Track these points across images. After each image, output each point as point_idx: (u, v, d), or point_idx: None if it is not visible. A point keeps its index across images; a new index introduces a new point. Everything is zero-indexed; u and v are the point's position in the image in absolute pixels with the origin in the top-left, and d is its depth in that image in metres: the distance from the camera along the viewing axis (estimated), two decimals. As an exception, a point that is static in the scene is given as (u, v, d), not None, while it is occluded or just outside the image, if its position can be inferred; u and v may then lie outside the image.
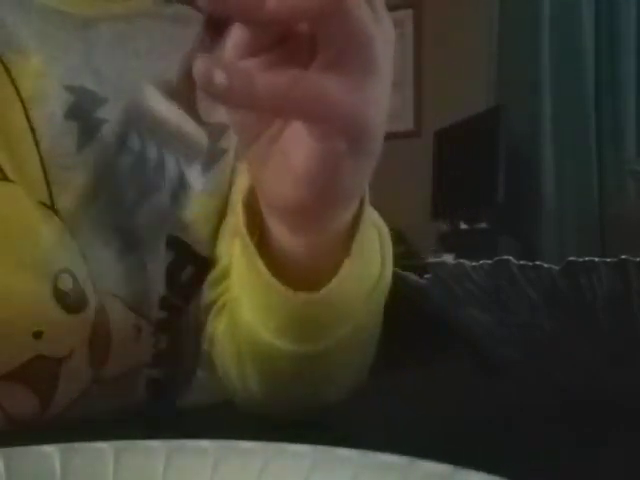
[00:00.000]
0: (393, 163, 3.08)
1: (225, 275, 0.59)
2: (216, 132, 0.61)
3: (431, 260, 0.51)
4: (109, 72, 0.56)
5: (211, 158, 0.60)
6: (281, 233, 0.41)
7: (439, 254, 2.52)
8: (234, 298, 0.50)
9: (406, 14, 3.14)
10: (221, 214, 0.61)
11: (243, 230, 0.43)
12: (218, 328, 0.59)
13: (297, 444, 0.31)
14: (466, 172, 2.68)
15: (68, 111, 0.53)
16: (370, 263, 0.46)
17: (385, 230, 0.51)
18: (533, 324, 0.45)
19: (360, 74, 0.34)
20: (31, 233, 0.51)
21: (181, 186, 0.57)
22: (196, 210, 0.58)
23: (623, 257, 0.40)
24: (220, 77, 0.29)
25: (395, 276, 0.51)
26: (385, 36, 0.35)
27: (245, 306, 0.47)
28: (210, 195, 0.60)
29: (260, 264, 0.42)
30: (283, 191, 0.37)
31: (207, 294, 0.61)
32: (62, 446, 0.30)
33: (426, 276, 0.49)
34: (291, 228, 0.41)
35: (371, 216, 0.47)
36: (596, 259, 0.40)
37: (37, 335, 0.50)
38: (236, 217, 0.44)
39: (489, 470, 0.27)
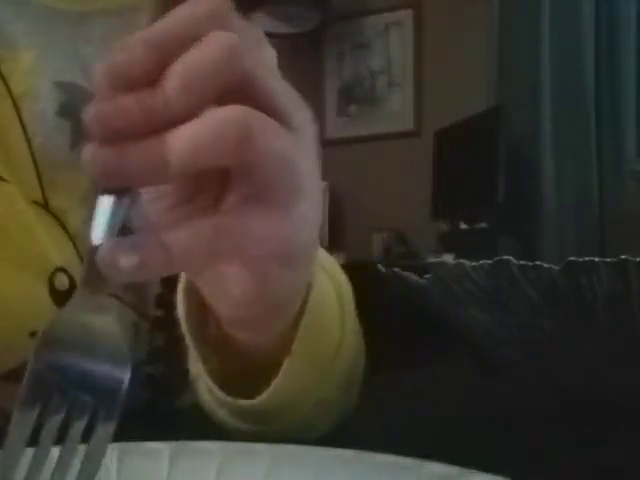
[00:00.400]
0: (393, 163, 3.09)
1: None
2: None
3: (431, 260, 0.51)
4: None
5: None
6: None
7: (439, 254, 2.52)
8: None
9: (406, 14, 3.14)
10: None
11: (185, 326, 0.41)
12: None
13: (301, 445, 0.31)
14: (466, 172, 2.68)
15: (60, 109, 0.52)
16: (322, 343, 0.43)
17: (345, 287, 0.49)
18: (533, 324, 0.45)
19: (284, 203, 0.29)
20: (26, 233, 0.50)
21: None
22: None
23: (623, 257, 0.39)
24: (127, 260, 0.26)
25: (395, 276, 0.51)
26: (305, 141, 0.31)
27: (200, 387, 0.45)
28: None
29: (202, 366, 0.41)
30: (221, 307, 0.34)
31: None
32: None
33: (426, 276, 0.49)
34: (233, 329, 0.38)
35: (332, 272, 0.46)
36: (596, 259, 0.40)
37: (34, 335, 0.49)
38: (178, 307, 0.42)
39: (489, 470, 0.27)
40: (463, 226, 2.72)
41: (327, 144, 3.26)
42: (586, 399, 0.47)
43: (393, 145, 3.13)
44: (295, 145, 0.29)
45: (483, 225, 2.63)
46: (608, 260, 0.40)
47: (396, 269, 0.51)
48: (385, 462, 0.29)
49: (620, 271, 0.40)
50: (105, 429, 0.25)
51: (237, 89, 0.27)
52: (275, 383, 0.39)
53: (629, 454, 0.40)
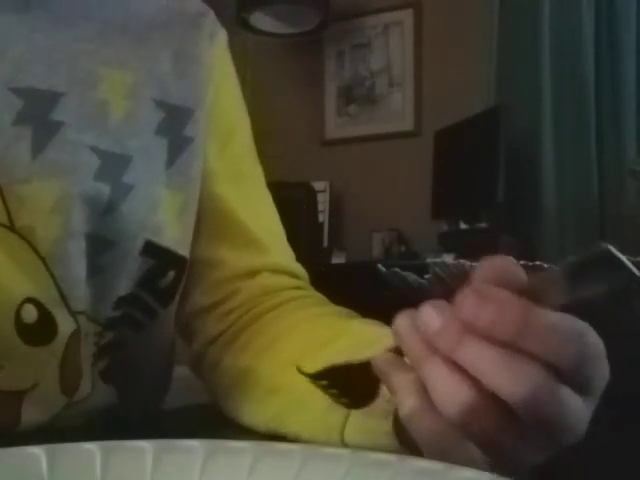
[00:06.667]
0: (393, 163, 3.08)
1: (226, 282, 0.59)
2: (181, 117, 0.57)
3: (431, 260, 0.51)
4: (60, 58, 0.50)
5: (175, 148, 0.55)
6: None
7: (439, 254, 2.52)
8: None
9: (406, 14, 3.14)
10: (192, 212, 0.57)
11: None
12: (216, 331, 0.58)
13: (287, 443, 0.31)
14: (466, 172, 2.68)
15: (18, 117, 0.47)
16: None
17: None
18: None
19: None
20: None
21: (146, 186, 0.53)
22: (164, 209, 0.54)
23: (623, 257, 0.39)
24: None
25: (395, 276, 0.51)
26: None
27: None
28: (176, 191, 0.55)
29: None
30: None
31: (201, 298, 0.59)
32: (49, 447, 0.30)
33: (426, 276, 0.49)
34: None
35: None
36: (596, 259, 0.40)
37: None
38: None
39: (488, 469, 0.27)
40: (463, 226, 2.72)
41: (327, 144, 3.26)
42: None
43: (393, 145, 3.13)
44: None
45: (483, 225, 2.63)
46: (608, 260, 0.40)
47: (396, 269, 0.51)
48: (369, 458, 0.29)
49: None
50: None
51: None
52: None
53: (629, 454, 0.40)
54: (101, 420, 0.54)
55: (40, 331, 0.48)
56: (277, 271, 0.62)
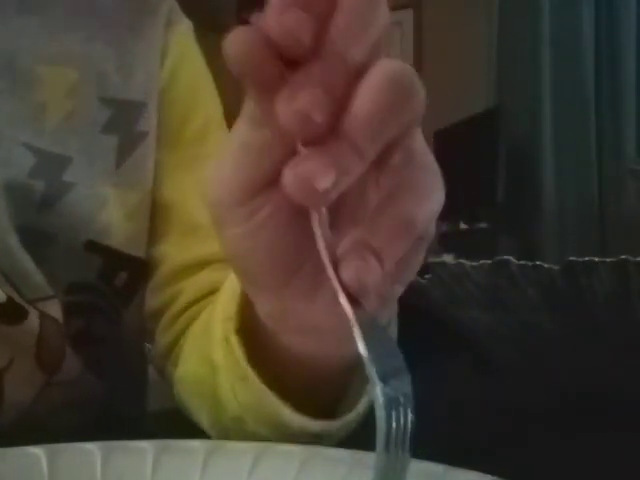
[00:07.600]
0: (393, 163, 3.09)
1: (170, 280, 0.55)
2: (132, 112, 0.55)
3: (431, 260, 0.51)
4: None
5: (126, 145, 0.54)
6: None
7: (439, 254, 2.52)
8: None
9: (406, 14, 3.14)
10: (147, 209, 0.55)
11: (242, 358, 0.35)
12: (165, 343, 0.54)
13: (286, 444, 0.31)
14: (466, 172, 2.68)
15: None
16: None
17: None
18: (533, 324, 0.45)
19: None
20: None
21: (90, 185, 0.52)
22: (111, 209, 0.53)
23: (623, 257, 0.39)
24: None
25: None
26: None
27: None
28: (127, 190, 0.54)
29: (272, 398, 0.35)
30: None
31: (149, 301, 0.56)
32: (49, 447, 0.30)
33: (426, 276, 0.49)
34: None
35: None
36: (596, 259, 0.40)
37: None
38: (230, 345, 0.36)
39: (488, 470, 0.27)
40: (463, 226, 2.72)
41: (327, 144, 3.26)
42: (586, 399, 0.47)
43: (393, 145, 3.13)
44: None
45: (483, 225, 2.63)
46: (608, 260, 0.40)
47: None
48: (369, 459, 0.29)
49: (620, 271, 0.40)
50: None
51: None
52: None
53: (629, 454, 0.40)
54: (97, 418, 0.54)
55: (12, 311, 0.48)
56: None
